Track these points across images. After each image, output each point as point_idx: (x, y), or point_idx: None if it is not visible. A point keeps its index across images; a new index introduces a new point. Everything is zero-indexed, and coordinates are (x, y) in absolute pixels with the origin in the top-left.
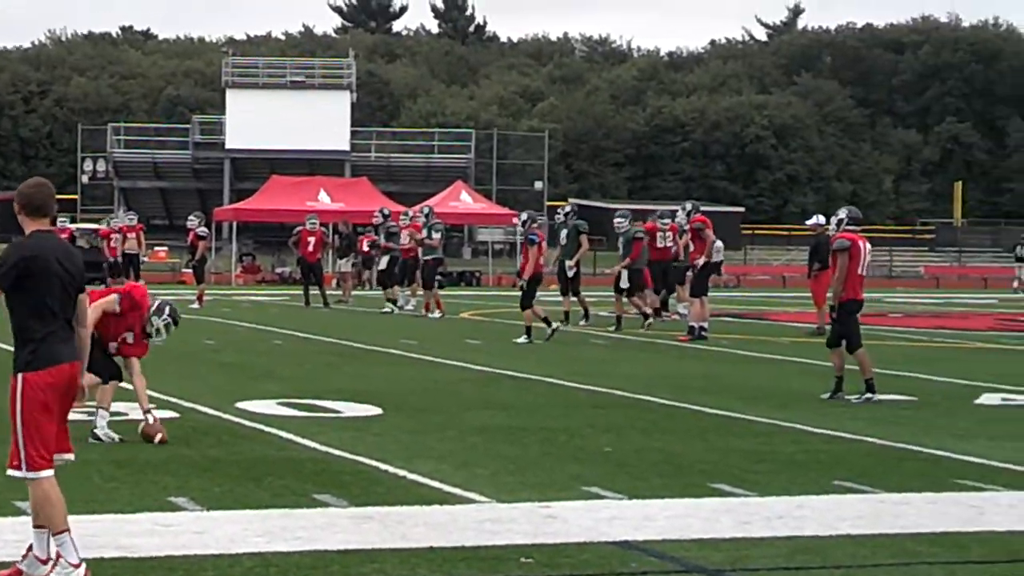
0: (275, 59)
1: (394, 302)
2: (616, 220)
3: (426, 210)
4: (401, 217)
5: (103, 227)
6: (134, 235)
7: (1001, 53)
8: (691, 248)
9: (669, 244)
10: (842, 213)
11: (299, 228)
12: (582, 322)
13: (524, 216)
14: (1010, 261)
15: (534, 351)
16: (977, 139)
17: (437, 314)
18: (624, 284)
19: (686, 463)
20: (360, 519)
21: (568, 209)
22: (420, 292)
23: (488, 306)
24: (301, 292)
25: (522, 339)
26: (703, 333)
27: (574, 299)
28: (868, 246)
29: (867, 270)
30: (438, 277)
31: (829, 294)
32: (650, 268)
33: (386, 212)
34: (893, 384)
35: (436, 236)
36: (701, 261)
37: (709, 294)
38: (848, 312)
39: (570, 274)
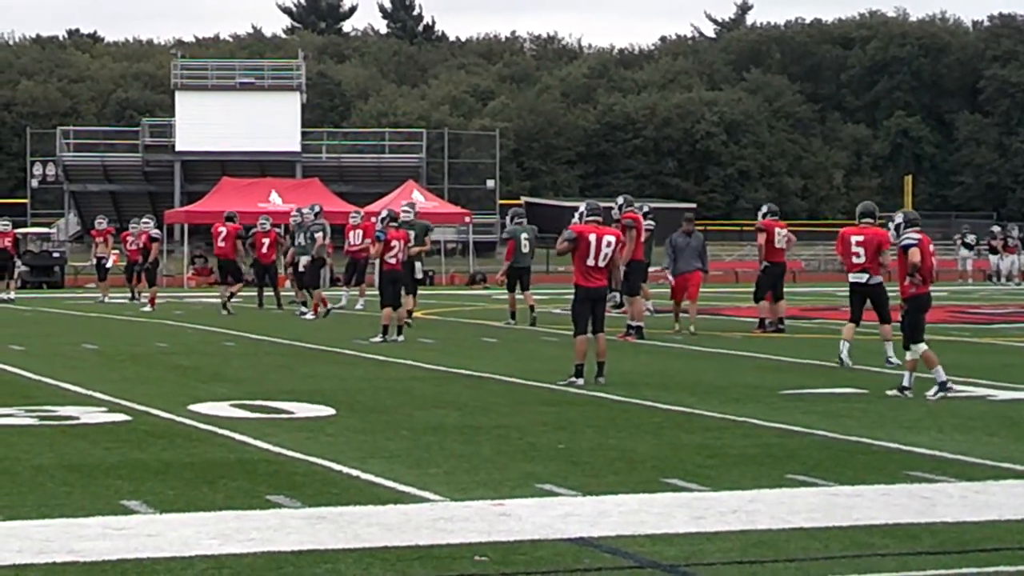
0: (224, 61)
1: (304, 303)
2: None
3: (316, 208)
4: (351, 216)
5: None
6: (101, 239)
7: (948, 47)
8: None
9: (783, 246)
10: (582, 207)
11: (253, 230)
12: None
13: (384, 212)
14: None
15: (488, 349)
16: (926, 133)
17: (310, 315)
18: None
19: (639, 459)
20: (314, 519)
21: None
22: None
23: (441, 305)
24: (255, 294)
25: (377, 338)
26: (641, 331)
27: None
28: (608, 239)
29: (602, 260)
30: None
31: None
32: (765, 272)
33: (304, 212)
34: (845, 378)
35: (319, 236)
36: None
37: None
38: (578, 299)
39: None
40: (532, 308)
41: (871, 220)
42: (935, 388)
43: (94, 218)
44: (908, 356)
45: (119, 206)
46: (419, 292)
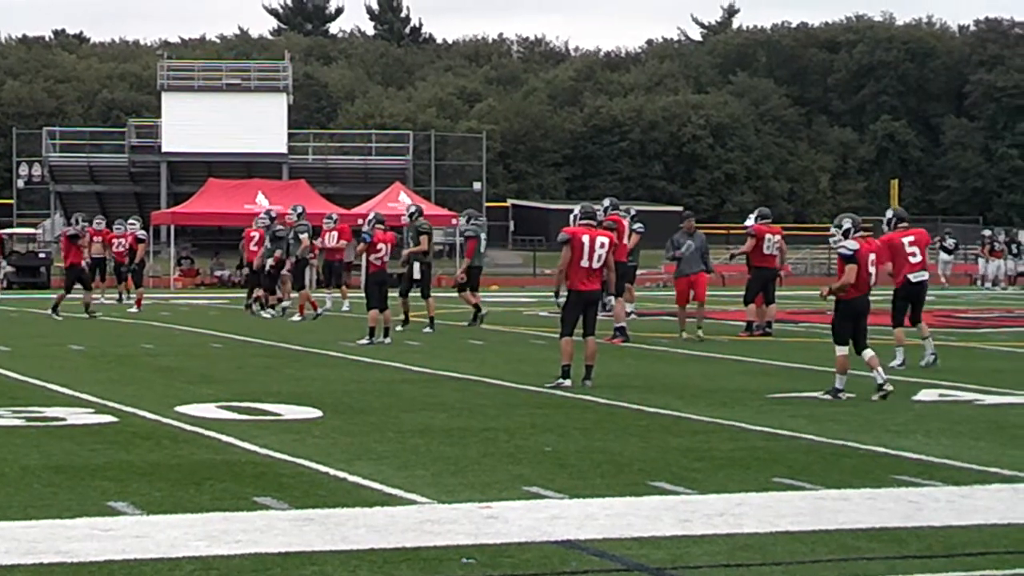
0: (211, 62)
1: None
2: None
3: (299, 209)
4: (325, 221)
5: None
6: (100, 239)
7: (934, 51)
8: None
9: (775, 252)
10: (576, 210)
11: (247, 229)
12: (426, 329)
13: (371, 215)
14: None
15: (476, 351)
16: (912, 137)
17: (297, 317)
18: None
19: (626, 462)
20: (301, 521)
21: (412, 210)
22: (335, 293)
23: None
24: (244, 295)
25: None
26: (625, 333)
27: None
28: (602, 240)
29: (596, 261)
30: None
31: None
32: (755, 275)
33: (272, 215)
34: (831, 381)
35: (304, 237)
36: None
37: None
38: (570, 302)
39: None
40: (478, 307)
41: (907, 224)
42: (828, 391)
43: (92, 217)
44: (866, 356)
45: (105, 207)
46: (408, 294)
